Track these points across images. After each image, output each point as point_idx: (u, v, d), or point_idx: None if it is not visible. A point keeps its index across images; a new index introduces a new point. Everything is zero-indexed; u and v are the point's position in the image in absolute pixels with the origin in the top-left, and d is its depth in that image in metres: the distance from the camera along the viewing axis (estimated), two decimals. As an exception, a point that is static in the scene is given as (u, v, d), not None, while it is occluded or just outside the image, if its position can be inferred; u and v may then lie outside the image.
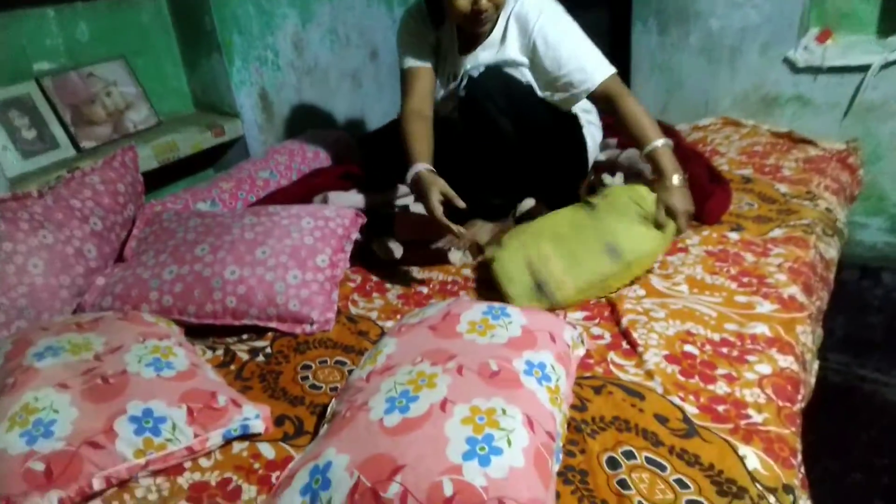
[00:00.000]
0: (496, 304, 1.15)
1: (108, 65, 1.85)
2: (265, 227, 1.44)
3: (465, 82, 1.52)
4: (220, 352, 1.32)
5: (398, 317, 1.37)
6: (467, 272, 1.54)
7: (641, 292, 1.36)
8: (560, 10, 1.53)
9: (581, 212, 1.45)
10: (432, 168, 1.43)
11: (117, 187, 1.61)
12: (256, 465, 1.00)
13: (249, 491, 0.94)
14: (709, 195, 1.60)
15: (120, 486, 0.95)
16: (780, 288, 1.32)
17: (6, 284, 1.34)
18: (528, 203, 1.64)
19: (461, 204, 1.36)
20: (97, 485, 0.93)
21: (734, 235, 1.53)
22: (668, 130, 1.98)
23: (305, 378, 1.20)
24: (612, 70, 1.51)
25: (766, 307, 1.27)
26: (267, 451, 1.03)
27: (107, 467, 0.94)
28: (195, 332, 1.35)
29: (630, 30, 2.34)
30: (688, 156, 1.72)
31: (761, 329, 1.20)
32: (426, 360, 1.00)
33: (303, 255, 1.39)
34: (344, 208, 1.56)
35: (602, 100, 1.52)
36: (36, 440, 0.93)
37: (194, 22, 1.96)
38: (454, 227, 1.35)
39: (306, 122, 2.29)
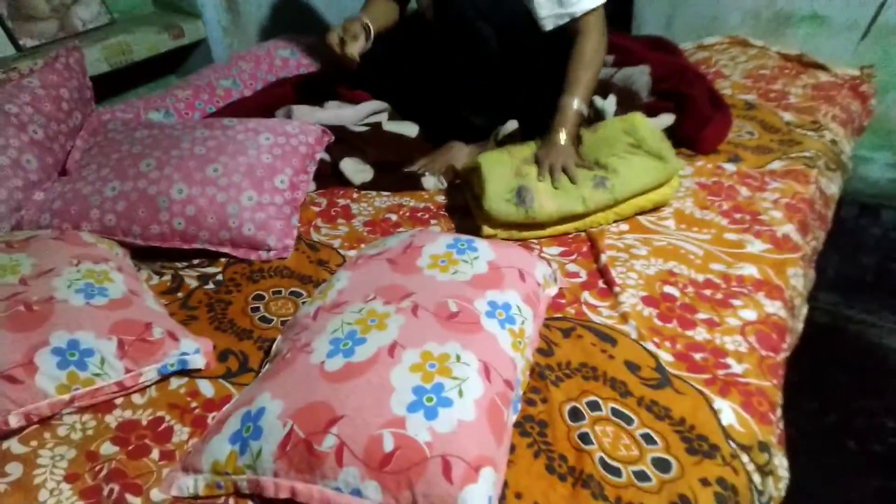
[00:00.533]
0: (463, 237, 1.05)
1: (50, -49, 1.65)
2: (218, 141, 1.30)
3: None
4: (167, 277, 1.22)
5: (362, 246, 1.27)
6: (441, 198, 1.42)
7: (624, 227, 1.25)
8: None
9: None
10: (367, 22, 1.38)
11: (60, 92, 1.46)
12: (193, 404, 0.92)
13: (181, 433, 0.87)
14: (706, 121, 1.47)
15: (41, 423, 0.88)
16: (773, 226, 1.22)
17: (-71, 196, 1.22)
18: (512, 125, 1.50)
19: (351, 53, 1.33)
20: (14, 422, 0.85)
21: (730, 167, 1.41)
22: (669, 48, 1.82)
23: (256, 309, 1.12)
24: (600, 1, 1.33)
25: (756, 246, 1.17)
26: (206, 388, 0.95)
27: (25, 403, 0.86)
28: (144, 255, 1.25)
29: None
30: (688, 78, 1.58)
31: (749, 270, 1.11)
32: (379, 298, 0.91)
33: (259, 175, 1.27)
34: (309, 124, 1.42)
35: (572, 31, 1.35)
36: (-56, 373, 0.85)
37: None
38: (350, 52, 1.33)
39: (279, 25, 2.09)
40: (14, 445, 0.85)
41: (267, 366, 0.91)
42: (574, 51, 1.33)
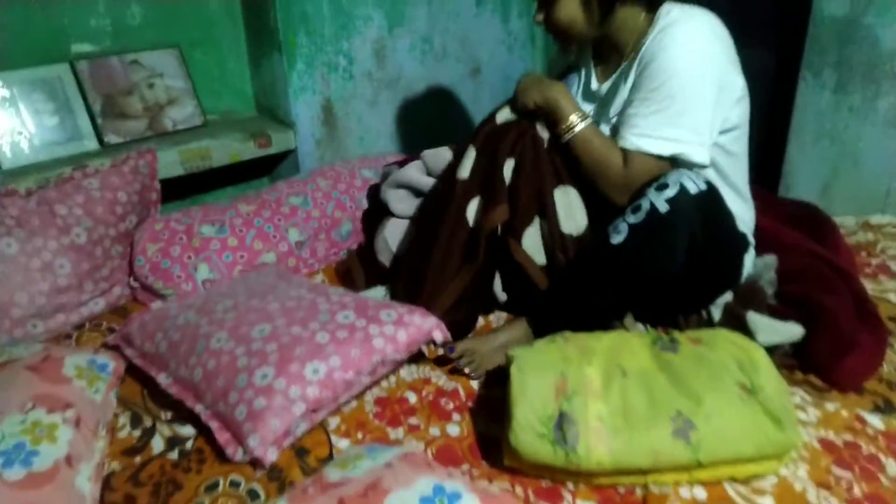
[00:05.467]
0: (449, 486, 0.77)
1: (157, 53, 1.68)
2: (298, 301, 1.17)
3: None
4: (138, 432, 1.06)
5: (360, 435, 1.04)
6: (477, 385, 1.16)
7: (701, 495, 0.91)
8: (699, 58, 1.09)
9: (656, 347, 1.01)
10: None
11: (118, 196, 1.42)
12: None
13: None
14: (848, 345, 1.09)
15: None
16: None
17: (-52, 295, 1.18)
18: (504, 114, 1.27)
19: None
20: None
21: (876, 421, 1.02)
22: (818, 223, 1.45)
23: (199, 507, 0.91)
24: (656, 150, 1.10)
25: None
26: None
27: None
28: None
29: (796, 81, 1.80)
30: (826, 279, 1.21)
31: None
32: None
33: (295, 353, 1.04)
34: (428, 320, 1.17)
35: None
36: None
37: (261, 15, 1.74)
38: None
39: (378, 142, 2.00)
40: None
41: None
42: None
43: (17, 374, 1.01)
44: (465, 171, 1.25)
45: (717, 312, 1.21)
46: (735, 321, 1.13)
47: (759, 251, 1.27)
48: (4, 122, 1.49)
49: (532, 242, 1.23)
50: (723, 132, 1.15)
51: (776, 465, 0.91)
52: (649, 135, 1.11)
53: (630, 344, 1.01)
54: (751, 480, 0.92)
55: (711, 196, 1.07)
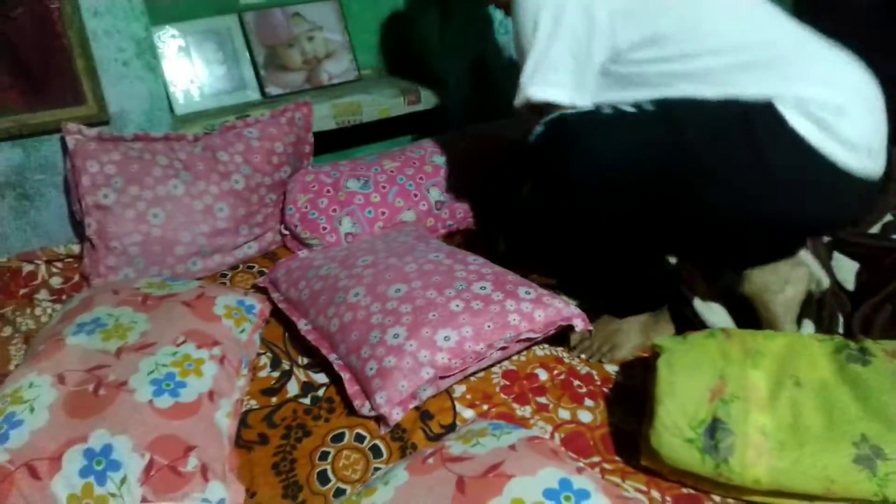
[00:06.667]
0: (576, 481, 0.71)
1: (318, 6, 1.70)
2: (437, 265, 1.15)
3: None
4: (277, 373, 1.10)
5: (485, 407, 1.00)
6: (614, 370, 1.08)
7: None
8: None
9: (841, 356, 0.87)
10: None
11: (275, 146, 1.47)
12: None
13: None
14: None
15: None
16: None
17: (122, 229, 1.29)
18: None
19: None
20: (12, 524, 0.78)
21: None
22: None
23: (324, 457, 0.93)
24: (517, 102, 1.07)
25: None
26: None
27: (33, 505, 0.79)
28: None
29: None
30: None
31: None
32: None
33: (428, 317, 1.03)
34: (570, 307, 1.10)
35: None
36: (-6, 439, 0.81)
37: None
38: None
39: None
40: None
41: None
42: None
43: (173, 308, 1.09)
44: None
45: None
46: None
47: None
48: (178, 70, 1.59)
49: None
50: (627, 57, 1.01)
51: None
52: (519, 86, 1.06)
53: (808, 349, 0.88)
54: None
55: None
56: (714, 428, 0.79)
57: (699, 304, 1.12)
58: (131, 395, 0.89)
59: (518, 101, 1.07)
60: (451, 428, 0.96)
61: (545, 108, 1.06)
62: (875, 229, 1.24)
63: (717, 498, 0.82)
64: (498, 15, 1.78)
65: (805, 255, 1.11)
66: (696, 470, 0.79)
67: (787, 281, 1.07)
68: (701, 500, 0.82)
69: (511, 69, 1.81)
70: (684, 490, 0.84)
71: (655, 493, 0.84)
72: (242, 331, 1.11)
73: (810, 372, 0.83)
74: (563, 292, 1.20)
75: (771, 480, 0.76)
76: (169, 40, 1.59)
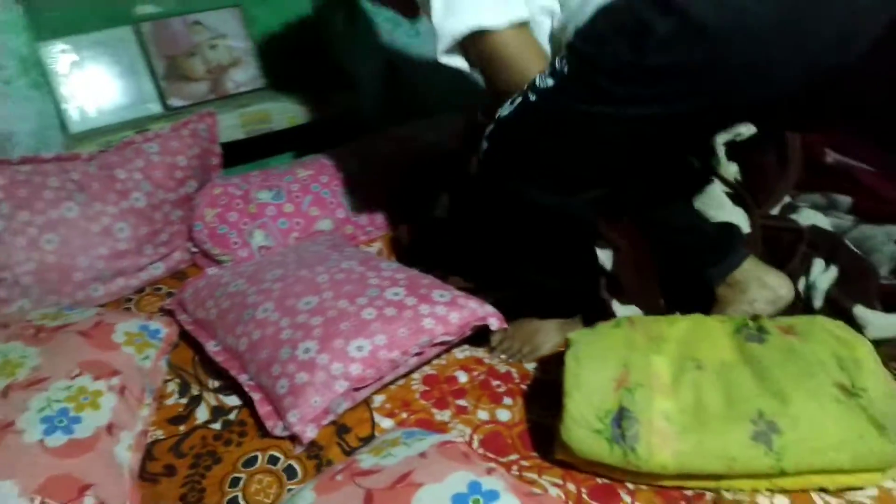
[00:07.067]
0: (486, 483, 0.70)
1: (220, 13, 1.64)
2: (348, 274, 1.12)
3: None
4: (186, 398, 1.05)
5: (404, 415, 0.99)
6: (533, 367, 1.08)
7: (783, 503, 0.79)
8: None
9: (740, 336, 0.88)
10: None
11: (177, 160, 1.41)
12: None
13: None
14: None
15: None
16: None
17: (13, 258, 1.21)
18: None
19: None
20: None
21: None
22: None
23: (235, 483, 0.89)
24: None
25: None
26: None
27: None
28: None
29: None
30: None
31: None
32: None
33: (340, 328, 1.00)
34: (486, 306, 1.08)
35: None
36: None
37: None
38: None
39: (443, 105, 1.90)
40: None
41: None
42: None
43: (68, 339, 1.02)
44: None
45: (817, 299, 1.06)
46: (840, 315, 0.98)
47: (882, 216, 1.11)
48: (72, 86, 1.51)
49: None
50: None
51: (878, 477, 0.78)
52: (437, 32, 0.88)
53: (710, 332, 0.89)
54: (845, 491, 0.79)
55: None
56: (620, 417, 0.79)
57: (618, 307, 1.13)
58: (18, 437, 0.83)
59: (441, 46, 0.88)
60: (369, 440, 0.93)
61: (488, 108, 0.94)
62: (775, 210, 1.28)
63: (630, 486, 0.83)
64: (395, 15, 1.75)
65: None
66: (605, 460, 0.79)
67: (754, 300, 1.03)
68: (615, 490, 0.82)
69: (423, 67, 1.81)
70: (599, 480, 0.84)
71: (571, 486, 0.84)
72: (146, 357, 1.06)
73: (711, 353, 0.85)
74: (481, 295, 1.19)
75: (677, 464, 0.77)
76: (59, 56, 1.50)
